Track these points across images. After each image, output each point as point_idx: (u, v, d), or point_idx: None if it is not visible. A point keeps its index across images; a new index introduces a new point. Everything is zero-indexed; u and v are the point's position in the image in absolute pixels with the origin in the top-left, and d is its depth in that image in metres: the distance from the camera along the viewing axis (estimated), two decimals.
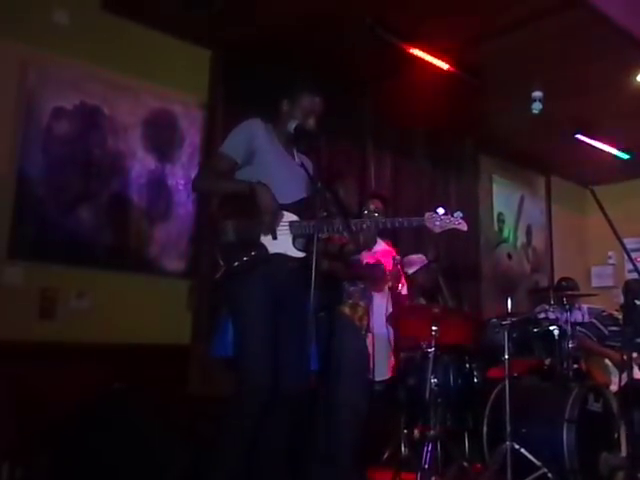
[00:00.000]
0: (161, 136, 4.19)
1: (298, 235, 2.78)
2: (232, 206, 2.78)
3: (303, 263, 2.79)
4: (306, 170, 2.91)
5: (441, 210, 2.83)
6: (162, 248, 4.12)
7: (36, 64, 3.69)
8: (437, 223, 2.79)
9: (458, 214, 2.82)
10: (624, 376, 3.78)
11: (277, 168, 2.83)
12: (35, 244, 3.60)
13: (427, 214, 2.82)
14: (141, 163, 4.09)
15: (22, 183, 3.59)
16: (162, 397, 3.44)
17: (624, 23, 4.05)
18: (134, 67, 4.09)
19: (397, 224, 2.86)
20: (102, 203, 3.89)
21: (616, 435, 3.65)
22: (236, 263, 2.70)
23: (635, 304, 3.83)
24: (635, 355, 4.06)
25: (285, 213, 2.78)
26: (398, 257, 3.80)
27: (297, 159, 3.00)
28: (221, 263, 2.71)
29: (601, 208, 2.87)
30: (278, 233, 2.75)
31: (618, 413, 3.69)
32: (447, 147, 6.16)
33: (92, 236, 3.83)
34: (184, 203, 4.18)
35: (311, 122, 2.93)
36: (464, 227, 2.83)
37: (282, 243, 2.76)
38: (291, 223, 2.78)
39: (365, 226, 2.90)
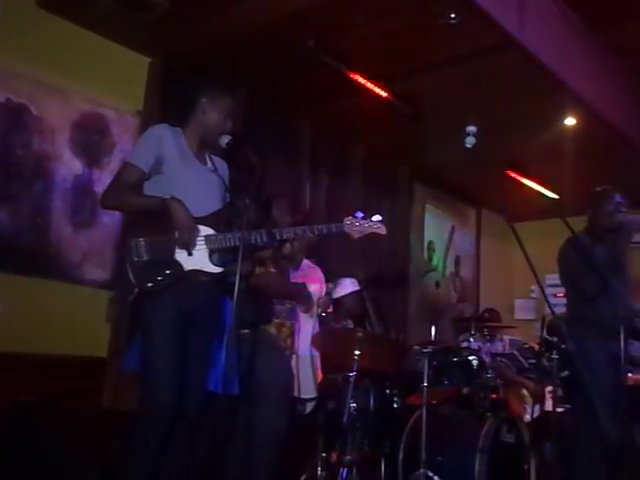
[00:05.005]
0: (90, 140, 4.07)
1: (215, 249, 2.70)
2: (144, 222, 2.66)
3: (220, 277, 2.72)
4: (220, 176, 2.87)
5: (360, 214, 2.82)
6: (84, 256, 3.99)
7: None
8: (355, 228, 2.80)
9: (377, 217, 2.82)
10: (537, 408, 3.88)
11: (189, 179, 2.74)
12: None
13: (346, 219, 2.81)
14: (67, 167, 3.95)
15: None
16: (74, 411, 3.33)
17: (555, 68, 4.20)
18: (66, 68, 3.96)
19: (316, 231, 2.84)
20: (22, 205, 3.73)
21: (526, 466, 3.72)
22: (150, 284, 2.60)
23: (551, 340, 3.94)
24: (549, 388, 4.18)
25: (200, 227, 2.69)
26: (330, 285, 3.79)
27: (209, 163, 2.91)
28: (134, 283, 2.60)
29: (520, 244, 2.95)
30: (193, 249, 2.67)
31: (529, 444, 3.77)
32: (383, 173, 6.24)
33: (10, 239, 3.66)
34: (111, 211, 4.06)
35: (229, 125, 2.88)
36: (383, 231, 2.83)
37: (198, 259, 2.67)
38: (207, 237, 2.69)
39: (290, 235, 2.86)
